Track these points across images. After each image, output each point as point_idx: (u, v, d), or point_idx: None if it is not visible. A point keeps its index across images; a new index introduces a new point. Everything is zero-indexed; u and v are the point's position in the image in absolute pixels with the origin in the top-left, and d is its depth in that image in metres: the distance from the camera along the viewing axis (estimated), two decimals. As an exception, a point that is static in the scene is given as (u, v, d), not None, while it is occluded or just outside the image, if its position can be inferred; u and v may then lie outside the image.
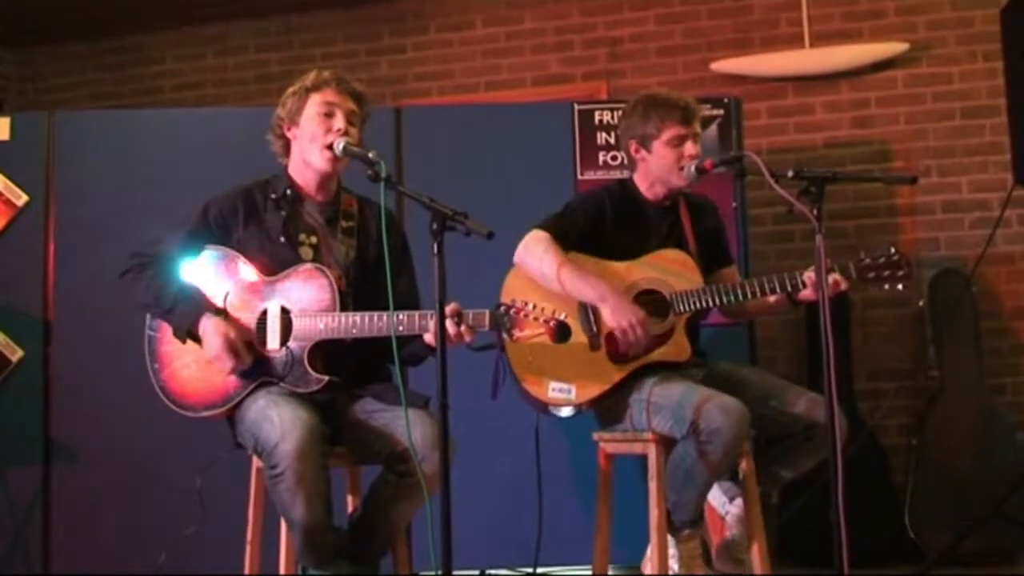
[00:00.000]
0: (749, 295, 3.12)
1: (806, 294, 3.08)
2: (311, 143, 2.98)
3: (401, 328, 2.82)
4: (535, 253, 3.18)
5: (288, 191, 3.05)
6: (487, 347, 2.91)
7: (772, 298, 3.18)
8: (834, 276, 3.00)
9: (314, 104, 2.99)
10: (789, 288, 3.08)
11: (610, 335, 3.14)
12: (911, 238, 4.90)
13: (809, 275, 3.03)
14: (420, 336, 2.86)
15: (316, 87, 3.01)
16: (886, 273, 3.02)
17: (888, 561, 4.22)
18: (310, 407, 2.77)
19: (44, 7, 5.53)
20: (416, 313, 2.84)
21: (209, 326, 2.86)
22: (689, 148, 3.21)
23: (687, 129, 3.21)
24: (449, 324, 2.71)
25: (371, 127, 3.13)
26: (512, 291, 3.21)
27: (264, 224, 3.02)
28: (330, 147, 2.94)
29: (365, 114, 3.08)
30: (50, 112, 4.31)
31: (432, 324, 2.75)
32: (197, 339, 2.89)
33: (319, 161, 2.98)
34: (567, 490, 3.84)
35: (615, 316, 3.07)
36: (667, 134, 3.22)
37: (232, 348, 2.84)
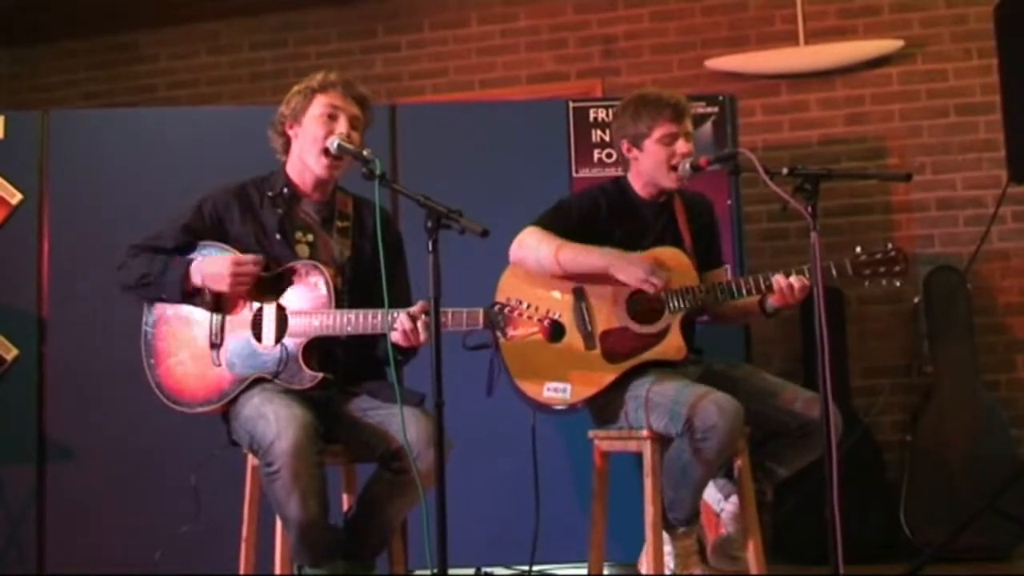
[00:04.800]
0: (745, 292, 3.12)
1: (775, 299, 3.08)
2: (312, 145, 2.98)
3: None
4: (529, 245, 3.19)
5: (285, 189, 3.05)
6: (481, 347, 2.91)
7: (743, 303, 3.20)
8: (800, 279, 3.01)
9: (319, 105, 2.98)
10: (764, 288, 3.08)
11: (604, 334, 3.14)
12: (906, 235, 4.90)
13: (777, 278, 3.04)
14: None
15: (322, 88, 3.00)
16: (882, 269, 3.02)
17: (883, 557, 4.22)
18: (305, 404, 2.77)
19: (37, 5, 5.52)
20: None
21: (205, 260, 2.91)
22: (680, 146, 3.21)
23: (678, 127, 3.21)
24: (405, 320, 2.76)
25: (366, 124, 3.13)
26: (507, 290, 3.21)
27: (260, 221, 3.02)
28: (327, 152, 2.94)
29: (368, 119, 3.08)
30: (44, 111, 4.31)
31: (398, 323, 2.77)
32: (192, 296, 2.92)
33: (317, 167, 2.99)
34: (563, 488, 3.84)
35: (629, 275, 3.07)
36: (658, 132, 3.21)
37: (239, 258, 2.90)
